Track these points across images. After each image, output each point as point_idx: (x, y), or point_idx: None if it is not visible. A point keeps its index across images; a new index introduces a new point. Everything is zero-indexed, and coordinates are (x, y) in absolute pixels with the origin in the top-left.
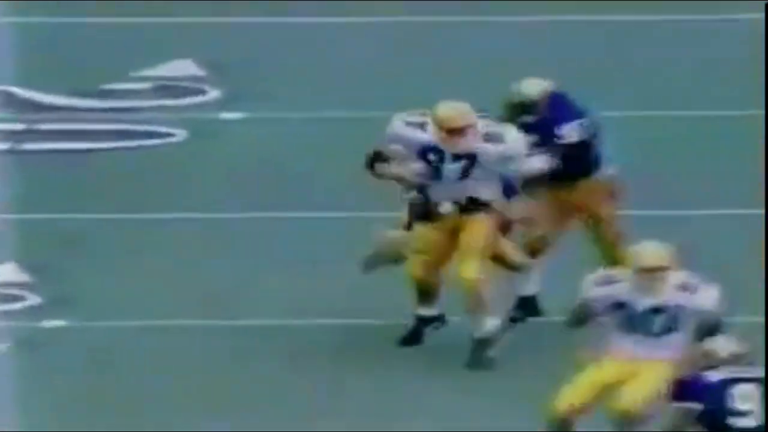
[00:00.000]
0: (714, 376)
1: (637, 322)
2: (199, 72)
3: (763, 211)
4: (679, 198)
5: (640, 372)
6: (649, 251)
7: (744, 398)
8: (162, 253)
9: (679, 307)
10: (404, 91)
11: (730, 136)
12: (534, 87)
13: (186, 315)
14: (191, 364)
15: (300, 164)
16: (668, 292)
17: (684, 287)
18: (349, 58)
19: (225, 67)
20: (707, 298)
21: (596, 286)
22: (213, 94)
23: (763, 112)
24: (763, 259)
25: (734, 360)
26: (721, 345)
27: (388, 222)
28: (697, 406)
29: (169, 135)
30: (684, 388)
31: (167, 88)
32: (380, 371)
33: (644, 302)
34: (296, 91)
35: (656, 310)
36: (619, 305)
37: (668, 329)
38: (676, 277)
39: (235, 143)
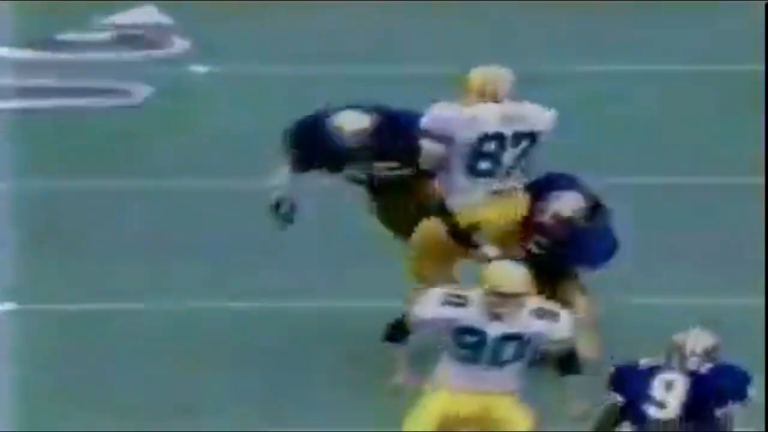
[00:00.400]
0: (646, 363)
1: (484, 350)
2: (165, 20)
3: (763, 180)
4: (676, 165)
5: (489, 411)
6: (507, 274)
7: (663, 387)
8: (122, 226)
9: (536, 336)
10: (390, 46)
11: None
12: (349, 121)
13: (152, 297)
14: (152, 349)
15: (281, 124)
16: (524, 319)
17: (541, 313)
18: (332, 9)
19: (195, 15)
20: (564, 324)
21: (440, 305)
22: (181, 44)
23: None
24: (763, 232)
25: (705, 354)
26: (694, 339)
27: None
28: (619, 398)
29: (130, 92)
30: (619, 377)
31: (128, 39)
32: (359, 360)
33: (496, 329)
34: (276, 43)
35: (509, 338)
36: (465, 331)
37: (516, 358)
38: (532, 301)
39: (207, 101)
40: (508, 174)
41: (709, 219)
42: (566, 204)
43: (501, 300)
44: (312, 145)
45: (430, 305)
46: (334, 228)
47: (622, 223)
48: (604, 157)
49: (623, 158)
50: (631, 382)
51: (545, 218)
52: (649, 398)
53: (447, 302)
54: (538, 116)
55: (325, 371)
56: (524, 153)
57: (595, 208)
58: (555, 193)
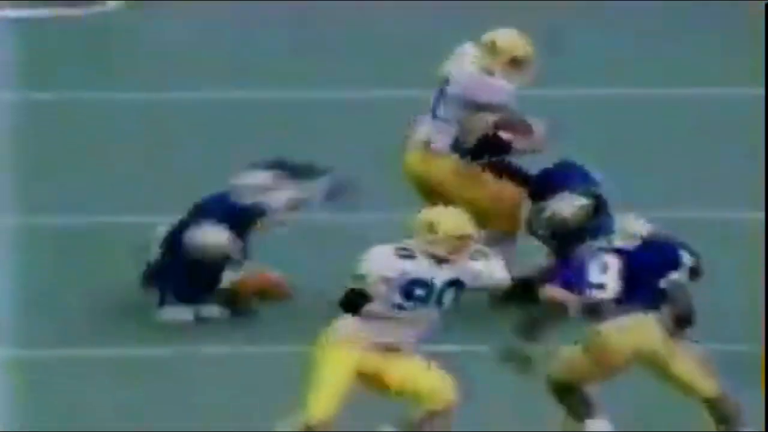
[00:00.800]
0: (582, 253)
1: (429, 300)
2: None
3: (762, 91)
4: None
5: (391, 367)
6: (459, 218)
7: (598, 270)
8: (98, 138)
9: (475, 278)
10: None
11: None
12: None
13: (129, 210)
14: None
15: (257, 37)
16: (465, 263)
17: (478, 255)
18: None
19: None
20: (498, 264)
21: (397, 260)
22: None
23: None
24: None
25: (638, 237)
26: (629, 223)
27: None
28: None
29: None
30: (562, 270)
31: None
32: None
33: (441, 277)
34: None
35: (451, 284)
36: (415, 283)
37: (452, 305)
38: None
39: (182, 12)
40: (433, 119)
41: (707, 132)
42: (564, 207)
43: (458, 243)
44: (183, 278)
45: (387, 263)
46: None
47: (618, 135)
48: (607, 69)
49: (619, 69)
50: (571, 275)
51: (545, 218)
52: (590, 284)
53: (401, 256)
54: (461, 71)
55: None
56: (437, 96)
57: (597, 201)
58: (557, 196)
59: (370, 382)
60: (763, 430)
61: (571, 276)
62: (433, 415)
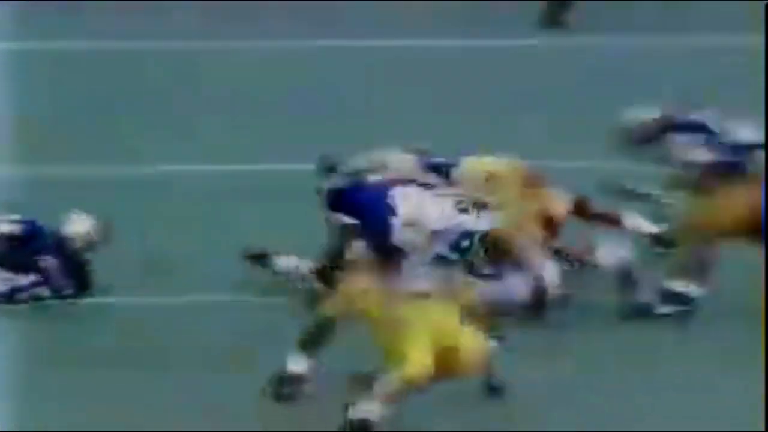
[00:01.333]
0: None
1: (469, 252)
2: None
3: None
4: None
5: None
6: (508, 165)
7: (401, 199)
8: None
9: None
10: None
11: None
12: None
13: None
14: None
15: None
16: (491, 214)
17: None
18: None
19: None
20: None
21: (457, 213)
22: None
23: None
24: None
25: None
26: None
27: None
28: (353, 220)
29: None
30: (342, 198)
31: None
32: None
33: (480, 228)
34: None
35: (481, 238)
36: (465, 235)
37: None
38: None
39: None
40: None
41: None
42: None
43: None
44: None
45: (445, 216)
46: None
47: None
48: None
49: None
50: (364, 202)
51: None
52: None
53: (461, 210)
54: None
55: None
56: None
57: None
58: None
59: (373, 325)
60: (764, 430)
61: (368, 206)
62: (408, 386)
